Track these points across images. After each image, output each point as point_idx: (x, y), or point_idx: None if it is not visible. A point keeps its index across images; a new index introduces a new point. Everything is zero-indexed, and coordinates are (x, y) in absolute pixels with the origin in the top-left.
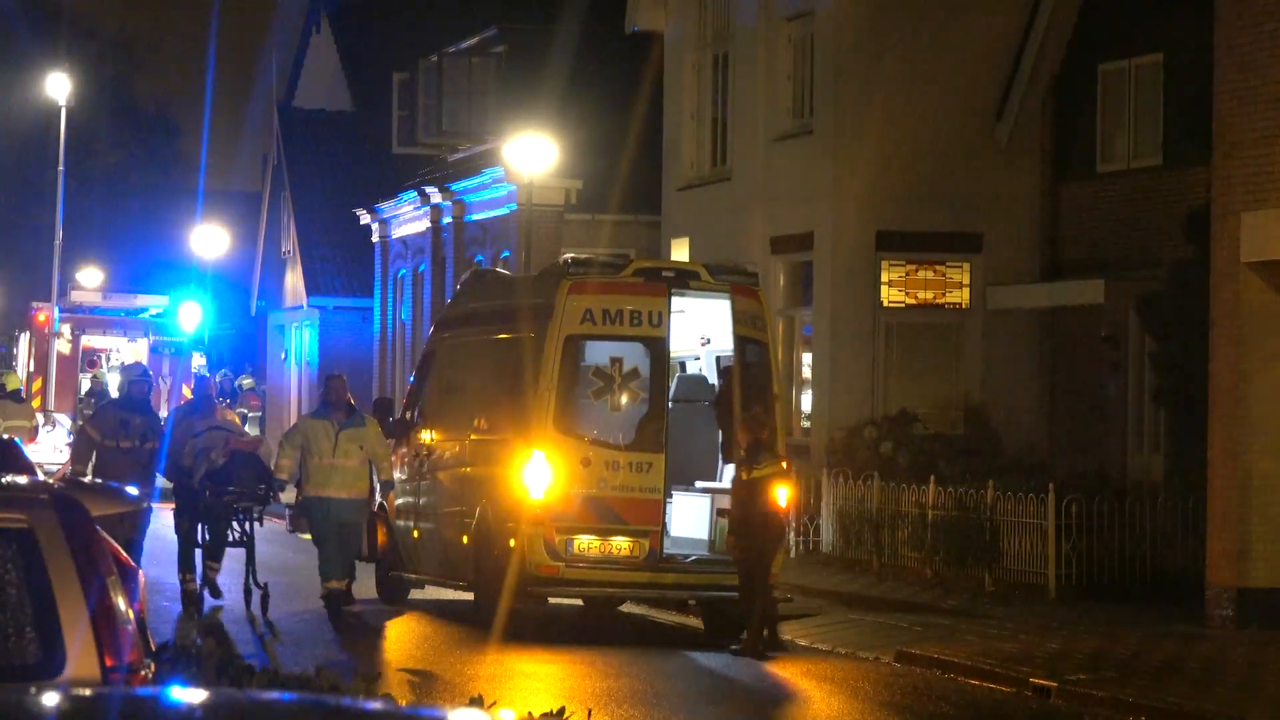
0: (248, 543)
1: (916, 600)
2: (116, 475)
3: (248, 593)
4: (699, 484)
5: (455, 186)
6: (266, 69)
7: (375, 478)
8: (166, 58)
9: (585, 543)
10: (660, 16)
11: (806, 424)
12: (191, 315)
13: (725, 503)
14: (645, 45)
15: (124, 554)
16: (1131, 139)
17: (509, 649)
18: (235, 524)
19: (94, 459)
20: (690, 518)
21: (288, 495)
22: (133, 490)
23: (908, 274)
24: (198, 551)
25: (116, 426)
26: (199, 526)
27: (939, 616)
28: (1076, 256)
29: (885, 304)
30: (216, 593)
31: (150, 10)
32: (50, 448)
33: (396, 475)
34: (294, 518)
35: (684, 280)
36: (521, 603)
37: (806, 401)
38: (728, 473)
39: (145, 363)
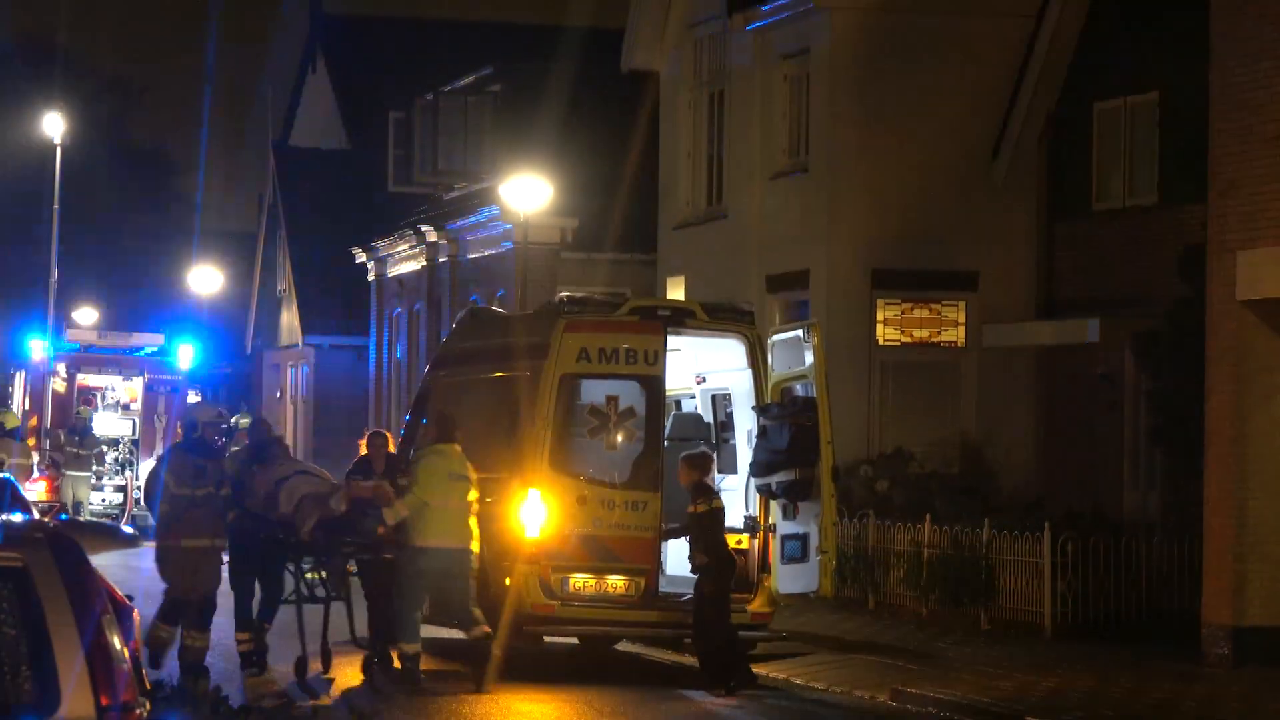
0: (345, 597)
1: (912, 639)
2: (193, 528)
3: (325, 656)
4: None
5: (451, 225)
6: (263, 108)
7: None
8: (162, 97)
9: (580, 581)
10: (656, 56)
11: None
12: (187, 354)
13: None
14: (641, 84)
15: (119, 592)
16: (1127, 177)
17: (504, 688)
18: (321, 578)
19: (165, 509)
20: (685, 557)
21: None
22: (128, 529)
23: (903, 312)
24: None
25: (193, 474)
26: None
27: (935, 655)
28: (1072, 295)
29: (881, 342)
30: (263, 661)
31: (146, 50)
32: (45, 486)
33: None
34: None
35: (680, 318)
36: (517, 641)
37: None
38: (728, 512)
39: (140, 401)
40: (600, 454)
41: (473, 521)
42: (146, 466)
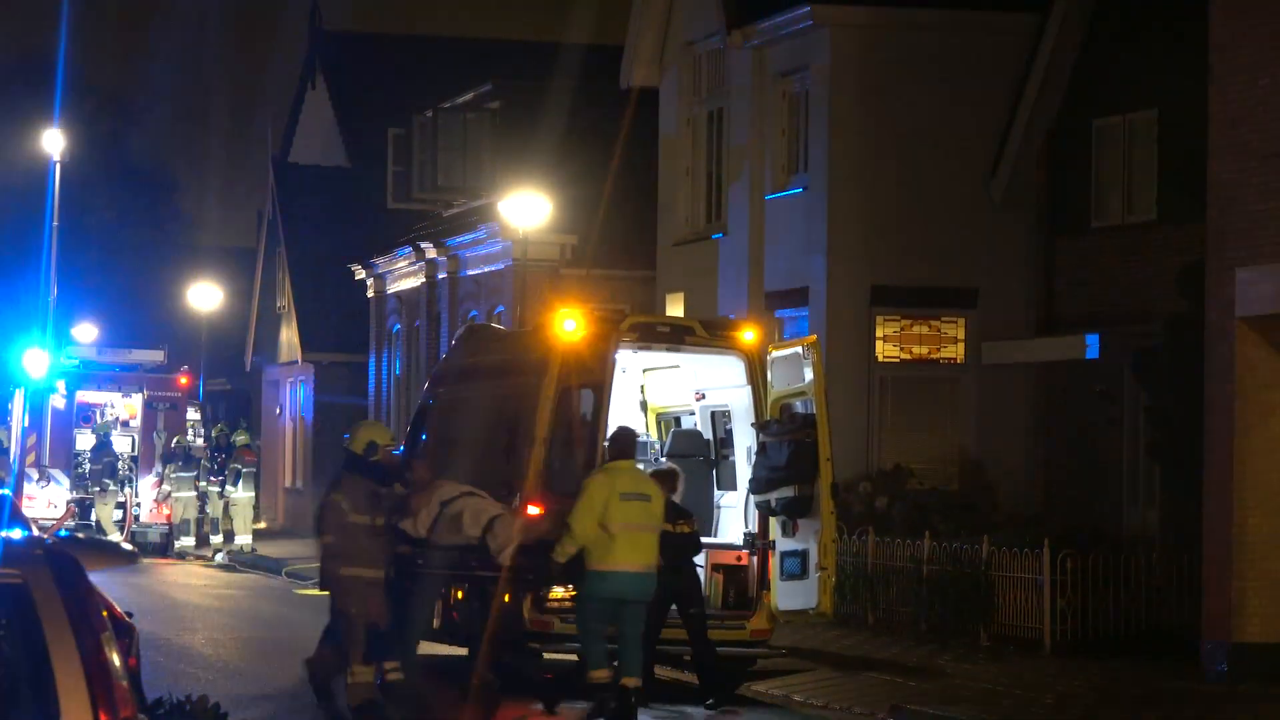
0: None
1: (911, 655)
2: (369, 557)
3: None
4: None
5: (450, 242)
6: (262, 125)
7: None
8: (162, 114)
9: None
10: (655, 73)
11: None
12: (186, 370)
13: (722, 558)
14: (640, 101)
15: (118, 609)
16: (1126, 194)
17: (503, 705)
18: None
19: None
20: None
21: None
22: (127, 547)
23: (902, 329)
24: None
25: (368, 500)
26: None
27: (934, 672)
28: (1071, 311)
29: (880, 359)
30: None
31: (146, 66)
32: (45, 503)
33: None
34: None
35: (679, 335)
36: (517, 658)
37: None
38: (727, 528)
39: (139, 418)
40: (573, 469)
41: (652, 540)
42: (146, 483)
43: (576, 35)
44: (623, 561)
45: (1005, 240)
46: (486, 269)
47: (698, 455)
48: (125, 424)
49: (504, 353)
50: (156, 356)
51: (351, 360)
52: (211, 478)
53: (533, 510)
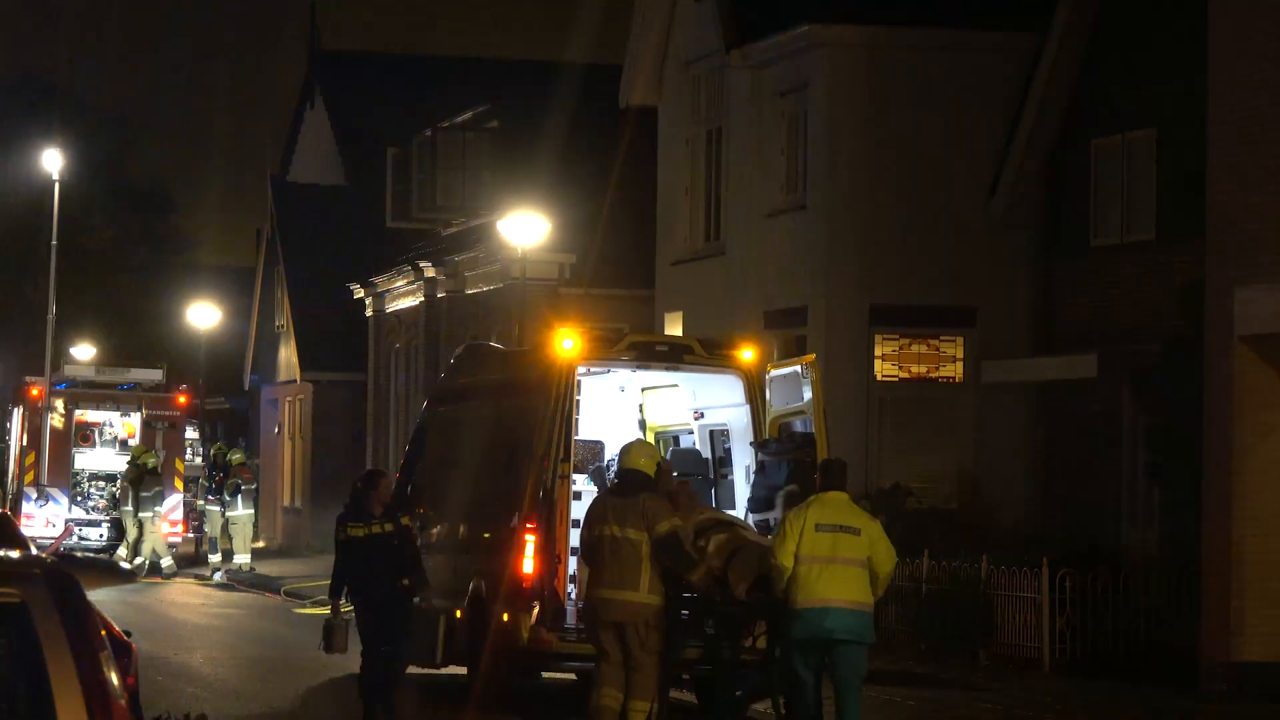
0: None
1: (910, 675)
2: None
3: None
4: None
5: (449, 261)
6: (261, 144)
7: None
8: (161, 133)
9: None
10: (654, 92)
11: None
12: (185, 389)
13: None
14: (639, 120)
15: (116, 628)
16: (1125, 213)
17: None
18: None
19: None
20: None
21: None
22: (126, 566)
23: (901, 348)
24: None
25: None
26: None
27: (933, 691)
28: (1070, 331)
29: (879, 378)
30: None
31: (145, 86)
32: (43, 522)
33: None
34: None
35: (678, 354)
36: (516, 677)
37: None
38: None
39: (138, 437)
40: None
41: (856, 574)
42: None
43: (575, 55)
44: (817, 597)
45: (1004, 259)
46: (485, 288)
47: (696, 474)
48: (124, 443)
49: (503, 371)
50: (155, 375)
51: (350, 379)
52: (209, 496)
53: (530, 529)
